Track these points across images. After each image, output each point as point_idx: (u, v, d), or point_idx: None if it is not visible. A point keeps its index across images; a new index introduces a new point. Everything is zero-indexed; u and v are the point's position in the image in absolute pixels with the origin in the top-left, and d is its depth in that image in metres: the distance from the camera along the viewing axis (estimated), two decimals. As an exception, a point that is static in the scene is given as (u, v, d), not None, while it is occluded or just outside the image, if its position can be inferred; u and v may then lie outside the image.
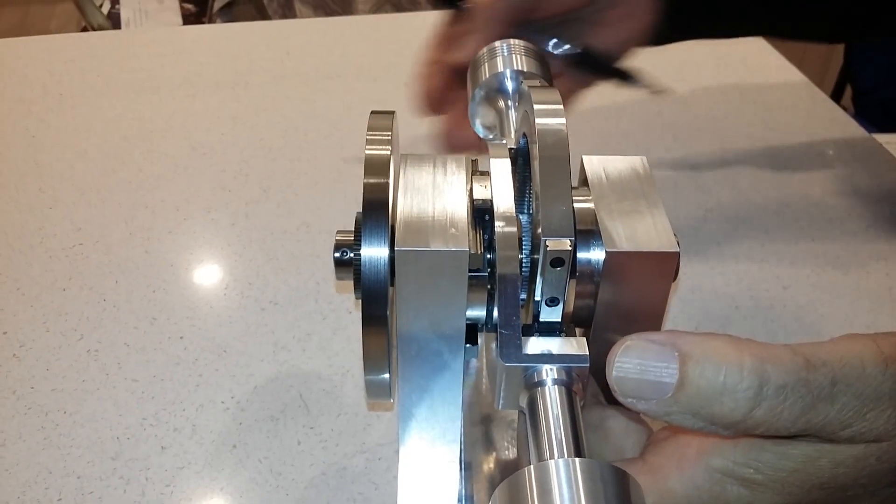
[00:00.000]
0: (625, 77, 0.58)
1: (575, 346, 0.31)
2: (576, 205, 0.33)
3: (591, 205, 0.34)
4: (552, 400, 0.30)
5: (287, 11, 1.74)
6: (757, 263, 0.56)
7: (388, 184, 0.32)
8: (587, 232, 0.32)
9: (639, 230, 0.32)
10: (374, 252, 0.32)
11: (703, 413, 0.25)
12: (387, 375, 0.34)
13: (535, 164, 0.33)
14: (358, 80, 0.75)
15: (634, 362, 0.26)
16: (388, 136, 0.34)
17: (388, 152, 0.33)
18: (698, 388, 0.25)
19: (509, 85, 0.47)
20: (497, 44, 0.48)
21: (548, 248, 0.30)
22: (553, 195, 0.32)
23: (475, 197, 0.35)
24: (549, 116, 0.34)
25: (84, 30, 1.72)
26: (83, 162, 0.64)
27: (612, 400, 0.36)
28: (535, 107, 0.34)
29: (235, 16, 1.85)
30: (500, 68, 0.47)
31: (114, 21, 1.78)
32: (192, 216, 0.59)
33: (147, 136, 0.67)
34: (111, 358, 0.49)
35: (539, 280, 0.31)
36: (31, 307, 0.52)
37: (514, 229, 0.33)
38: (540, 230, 0.31)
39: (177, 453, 0.44)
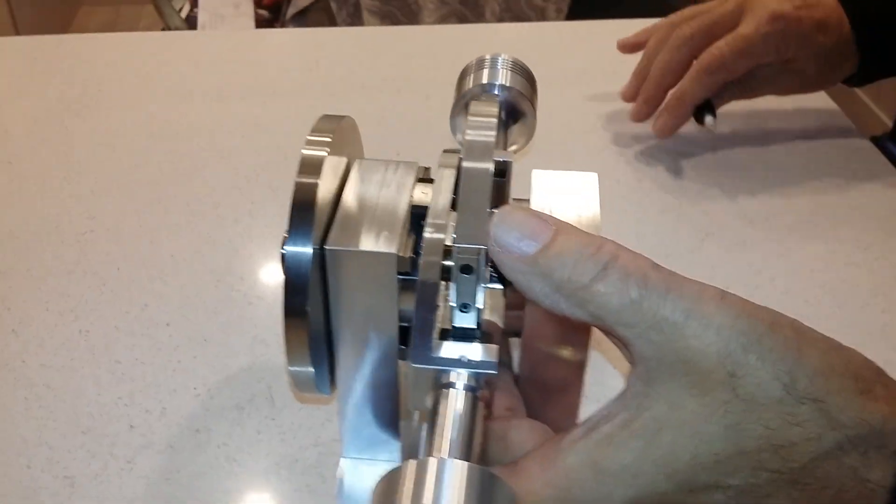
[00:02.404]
0: (709, 112, 0.65)
1: (485, 353, 0.32)
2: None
3: None
4: (452, 403, 0.31)
5: (355, 20, 1.78)
6: (751, 290, 0.56)
7: (317, 184, 0.33)
8: None
9: None
10: (297, 249, 0.33)
11: (555, 276, 0.29)
12: (311, 369, 0.35)
13: (461, 175, 0.34)
14: (382, 92, 0.77)
15: (518, 218, 0.30)
16: (329, 138, 0.35)
17: (325, 153, 0.35)
18: (559, 252, 0.29)
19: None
20: (487, 56, 0.49)
21: (458, 255, 0.31)
22: (469, 205, 0.33)
23: (414, 202, 0.36)
24: (480, 129, 0.35)
25: (164, 31, 1.80)
26: (110, 157, 0.68)
27: (531, 412, 0.37)
28: (469, 119, 0.35)
29: (308, 23, 1.90)
30: (485, 80, 0.48)
31: (191, 24, 1.85)
32: (201, 212, 0.62)
33: (172, 136, 0.71)
34: (100, 339, 0.51)
35: (452, 286, 0.32)
36: (38, 288, 0.55)
37: (442, 235, 0.34)
38: (454, 237, 0.32)
39: (143, 433, 0.46)
